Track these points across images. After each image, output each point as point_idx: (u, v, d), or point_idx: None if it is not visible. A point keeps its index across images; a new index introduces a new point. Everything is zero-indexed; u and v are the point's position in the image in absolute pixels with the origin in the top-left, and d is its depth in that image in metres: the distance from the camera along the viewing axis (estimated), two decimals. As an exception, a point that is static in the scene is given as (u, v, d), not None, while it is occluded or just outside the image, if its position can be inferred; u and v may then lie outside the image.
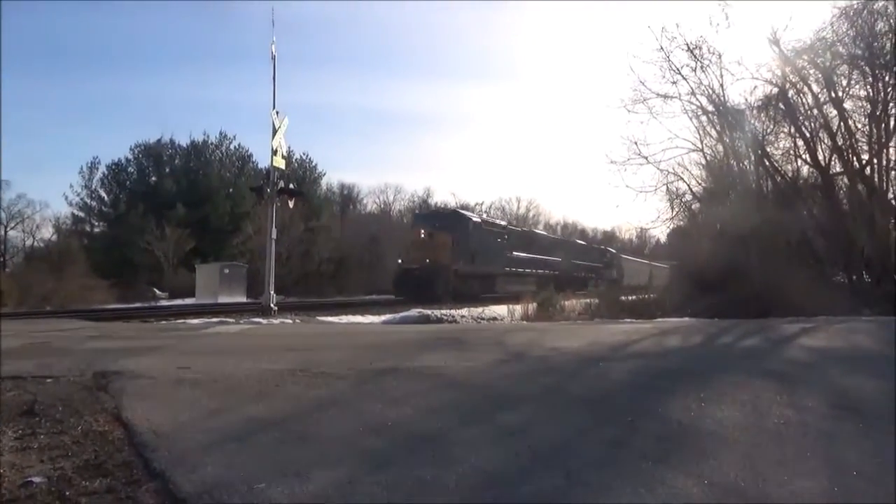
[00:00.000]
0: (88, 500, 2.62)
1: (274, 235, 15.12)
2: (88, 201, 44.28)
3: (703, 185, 18.41)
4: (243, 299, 24.93)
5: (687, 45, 16.22)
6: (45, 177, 70.96)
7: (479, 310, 17.68)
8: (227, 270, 27.59)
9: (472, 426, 3.82)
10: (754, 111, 17.04)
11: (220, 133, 48.30)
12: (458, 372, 5.51)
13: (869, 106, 15.64)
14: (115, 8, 77.23)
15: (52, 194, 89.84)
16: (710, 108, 16.91)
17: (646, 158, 17.04)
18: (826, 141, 16.21)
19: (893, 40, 14.86)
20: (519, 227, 41.02)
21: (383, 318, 15.01)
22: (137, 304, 23.59)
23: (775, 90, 16.40)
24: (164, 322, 13.41)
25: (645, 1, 40.53)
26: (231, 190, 44.46)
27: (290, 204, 15.98)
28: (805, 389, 4.74)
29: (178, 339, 8.43)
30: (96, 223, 44.70)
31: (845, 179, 16.34)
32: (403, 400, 4.42)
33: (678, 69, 16.40)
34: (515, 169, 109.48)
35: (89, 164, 44.46)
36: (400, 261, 28.21)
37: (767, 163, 16.97)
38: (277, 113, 14.78)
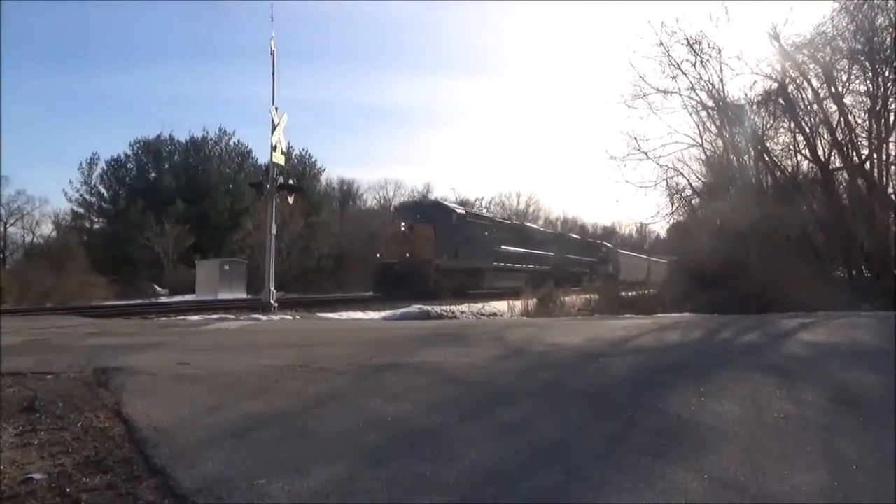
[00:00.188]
0: (89, 496, 2.62)
1: (274, 231, 15.12)
2: (88, 197, 44.34)
3: (703, 180, 18.43)
4: (243, 295, 24.94)
5: (687, 39, 16.22)
6: (45, 173, 71.04)
7: (480, 305, 17.71)
8: (226, 267, 27.57)
9: (472, 422, 3.82)
10: (754, 106, 17.03)
11: (220, 129, 48.42)
12: (458, 368, 5.51)
13: (869, 101, 15.62)
14: (114, 4, 77.10)
15: (52, 190, 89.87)
16: (710, 103, 16.92)
17: (645, 154, 17.06)
18: (826, 136, 16.22)
19: (894, 35, 14.83)
20: (508, 220, 39.28)
21: (383, 314, 15.03)
22: (137, 301, 23.59)
23: (775, 85, 16.40)
24: (164, 318, 13.41)
25: (645, -4, 40.37)
26: (230, 186, 44.48)
27: (290, 200, 15.98)
28: (805, 384, 4.74)
29: (178, 335, 8.43)
30: (96, 219, 44.75)
31: (845, 174, 16.34)
32: (403, 396, 4.42)
33: (678, 64, 16.40)
34: (515, 164, 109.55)
35: (88, 160, 44.55)
36: (378, 255, 26.95)
37: (767, 158, 16.97)
38: (277, 109, 14.78)
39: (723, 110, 16.86)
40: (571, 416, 4.01)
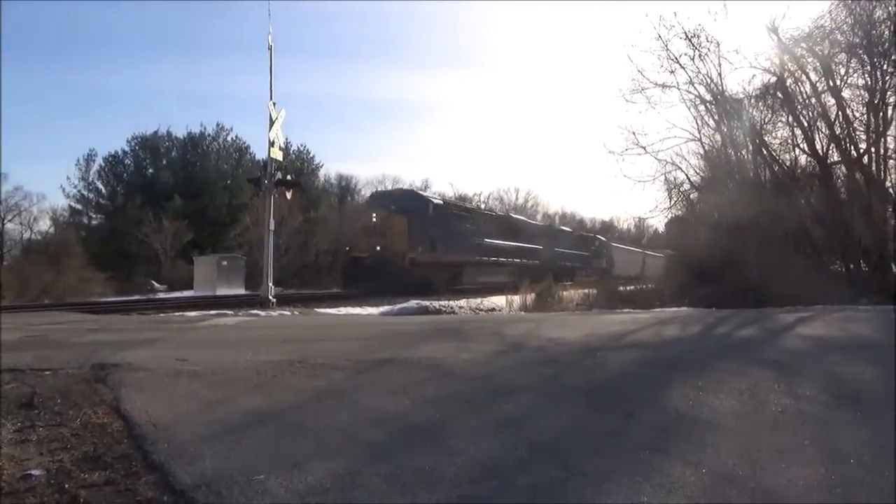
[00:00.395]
0: (87, 492, 2.62)
1: (272, 227, 15.11)
2: (85, 193, 44.17)
3: (701, 174, 18.46)
4: (241, 291, 24.88)
5: (685, 33, 16.21)
6: (42, 169, 70.85)
7: (478, 301, 17.72)
8: (225, 262, 27.49)
9: (471, 417, 3.83)
10: (752, 100, 17.04)
11: (217, 125, 48.18)
12: (457, 363, 5.51)
13: (867, 94, 15.62)
14: (111, 1, 76.73)
15: (49, 186, 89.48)
16: (708, 97, 16.92)
17: (644, 148, 17.07)
18: (824, 130, 16.22)
19: (892, 28, 14.82)
20: (492, 212, 37.44)
21: (381, 309, 15.03)
22: (135, 297, 23.55)
23: (773, 79, 16.39)
24: (162, 314, 13.39)
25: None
26: (228, 182, 44.35)
27: (288, 195, 15.96)
28: (802, 378, 4.75)
29: (176, 331, 8.43)
30: (93, 215, 44.60)
31: (843, 168, 16.36)
32: (402, 391, 4.43)
33: (676, 58, 16.40)
34: (514, 160, 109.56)
35: (86, 156, 44.36)
36: (348, 248, 25.26)
37: (765, 152, 16.98)
38: (275, 104, 14.73)
39: (721, 104, 16.85)
40: (570, 411, 4.02)
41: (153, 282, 31.16)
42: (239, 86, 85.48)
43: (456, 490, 2.66)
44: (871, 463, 3.06)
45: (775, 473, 2.89)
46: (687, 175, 18.35)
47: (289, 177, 15.70)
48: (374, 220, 24.20)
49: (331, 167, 65.36)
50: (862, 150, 15.77)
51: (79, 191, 43.87)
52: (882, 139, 15.62)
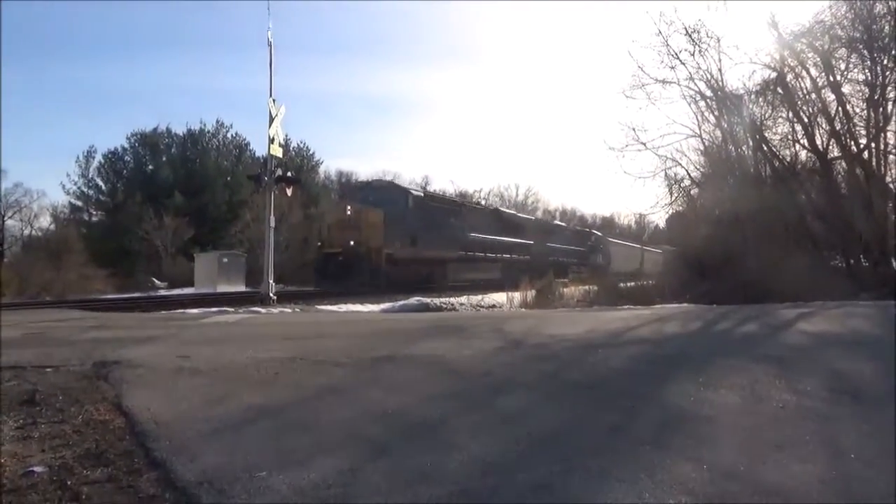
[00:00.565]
0: (90, 489, 2.63)
1: (272, 224, 15.11)
2: (86, 190, 44.24)
3: (702, 170, 18.46)
4: (242, 288, 24.89)
5: (685, 28, 16.20)
6: (42, 166, 70.75)
7: (479, 297, 17.74)
8: (225, 259, 27.51)
9: (472, 413, 3.83)
10: (752, 96, 17.04)
11: (217, 121, 48.28)
12: (458, 359, 5.51)
13: (867, 90, 15.60)
14: (110, -4, 76.52)
15: (49, 183, 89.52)
16: (709, 93, 16.92)
17: (644, 144, 17.08)
18: (824, 125, 16.22)
19: (892, 23, 14.80)
20: (480, 205, 35.77)
21: (382, 306, 15.05)
22: (136, 294, 23.58)
23: (773, 74, 16.39)
24: (163, 311, 13.40)
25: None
26: (228, 178, 44.31)
27: (288, 192, 15.96)
28: (803, 374, 4.75)
29: (177, 328, 8.43)
30: (94, 212, 44.66)
31: (843, 164, 16.35)
32: (403, 387, 4.44)
33: (676, 54, 16.40)
34: (514, 156, 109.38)
35: (86, 153, 44.40)
36: (320, 243, 23.47)
37: (765, 148, 16.98)
38: (274, 101, 14.74)
39: (721, 100, 16.85)
40: (571, 407, 4.02)
41: (154, 279, 31.22)
42: (239, 82, 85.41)
43: (457, 485, 2.66)
44: (872, 458, 3.06)
45: (776, 469, 2.90)
46: (687, 171, 18.37)
47: (289, 173, 15.67)
48: (349, 213, 22.77)
49: (331, 164, 65.13)
50: (862, 146, 15.76)
51: (79, 188, 44.00)
52: (882, 134, 15.63)
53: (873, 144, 15.67)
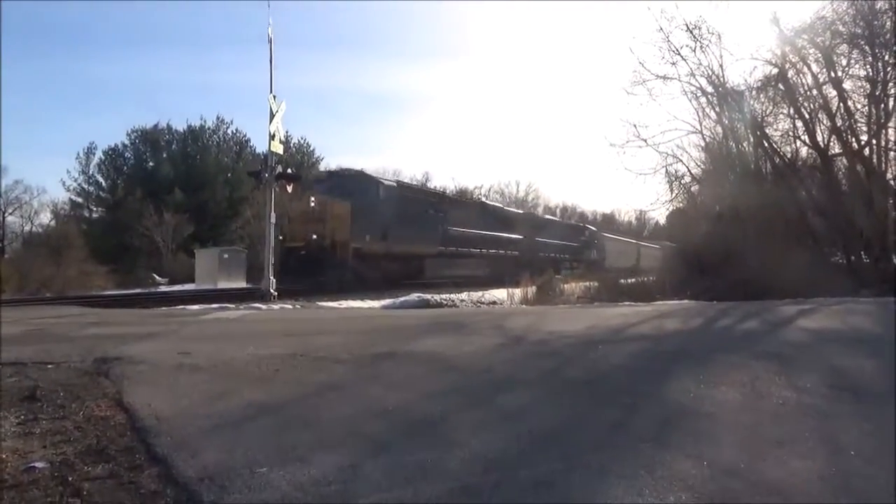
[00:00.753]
0: (91, 485, 2.63)
1: (273, 220, 15.08)
2: (86, 187, 44.25)
3: (702, 166, 18.48)
4: (243, 284, 24.85)
5: (686, 25, 16.19)
6: (43, 162, 70.73)
7: (479, 294, 17.75)
8: (226, 255, 27.46)
9: (473, 410, 3.84)
10: (753, 92, 17.03)
11: (218, 118, 48.15)
12: (458, 356, 5.52)
13: (868, 86, 15.60)
14: (110, -8, 76.36)
15: (50, 180, 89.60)
16: (710, 89, 16.92)
17: (645, 141, 17.08)
18: (825, 122, 16.21)
19: (893, 19, 14.77)
20: (461, 197, 33.89)
21: (383, 302, 15.06)
22: (137, 290, 23.57)
23: (775, 71, 16.36)
24: (164, 308, 13.40)
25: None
26: (229, 175, 44.32)
27: (289, 189, 15.91)
28: (804, 371, 4.76)
29: (178, 324, 8.43)
30: (94, 208, 44.66)
31: (844, 160, 16.34)
32: (403, 384, 4.44)
33: (677, 50, 16.39)
34: (515, 153, 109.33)
35: (86, 150, 44.40)
36: (281, 237, 20.63)
37: (766, 144, 16.97)
38: (275, 97, 14.69)
39: (722, 96, 16.84)
40: (571, 404, 4.02)
41: (154, 275, 31.19)
42: (239, 79, 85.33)
43: (458, 482, 2.66)
44: (873, 456, 3.07)
45: (776, 465, 2.90)
46: (688, 167, 18.39)
47: (289, 170, 15.62)
48: (312, 204, 20.80)
49: (331, 160, 64.86)
50: (863, 142, 15.76)
51: (79, 184, 44.01)
52: (883, 131, 15.64)
53: (874, 141, 15.68)
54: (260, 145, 44.88)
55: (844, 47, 15.65)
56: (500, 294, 17.39)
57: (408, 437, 3.30)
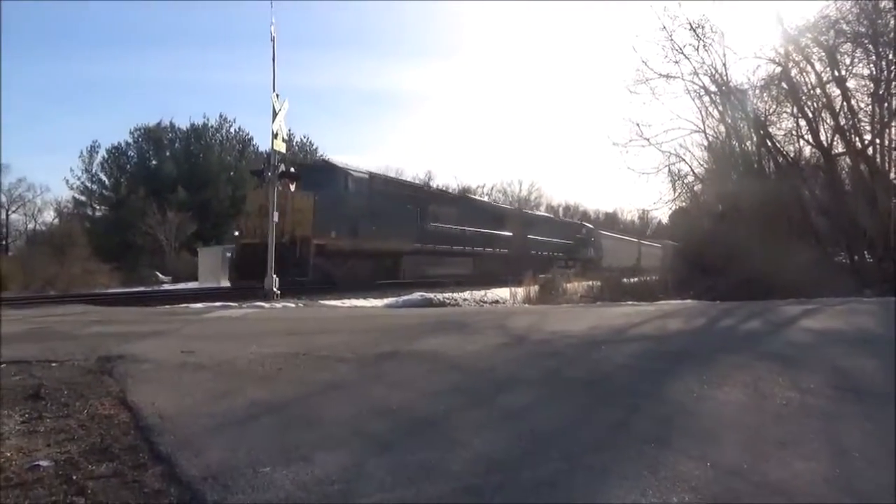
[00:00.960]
0: (95, 483, 2.64)
1: (276, 219, 15.08)
2: (89, 185, 44.39)
3: (705, 166, 18.44)
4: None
5: (689, 23, 16.15)
6: (46, 161, 70.90)
7: (482, 293, 17.75)
8: (229, 253, 27.51)
9: (475, 410, 3.84)
10: (757, 91, 17.00)
11: (221, 116, 48.33)
12: (461, 356, 5.52)
13: (872, 85, 15.55)
14: (113, -10, 76.48)
15: (53, 178, 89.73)
16: (713, 88, 16.88)
17: (647, 140, 17.06)
18: (828, 121, 16.15)
19: (898, 17, 14.73)
20: (444, 191, 32.26)
21: (386, 301, 15.08)
22: (140, 288, 23.63)
23: (778, 69, 16.32)
24: (167, 306, 13.42)
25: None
26: (232, 173, 44.44)
27: (292, 187, 15.89)
28: (807, 371, 4.74)
29: (181, 323, 8.45)
30: (97, 207, 44.80)
31: (847, 159, 16.29)
32: (406, 383, 4.44)
33: (680, 48, 16.36)
34: (518, 152, 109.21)
35: (89, 148, 44.55)
36: (237, 233, 19.64)
37: (769, 143, 16.93)
38: (278, 95, 14.68)
39: (725, 95, 16.80)
40: (574, 404, 4.02)
41: (158, 273, 31.27)
42: (242, 77, 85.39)
43: (461, 482, 2.67)
44: (876, 457, 3.06)
45: (780, 466, 2.90)
46: (691, 166, 18.37)
47: (292, 169, 15.59)
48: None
49: (334, 159, 65.05)
50: (867, 141, 15.72)
51: (83, 182, 44.19)
52: (887, 130, 15.56)
53: (878, 140, 15.63)
54: (263, 144, 45.00)
55: (848, 46, 15.60)
56: (502, 293, 17.39)
57: (411, 436, 3.30)
